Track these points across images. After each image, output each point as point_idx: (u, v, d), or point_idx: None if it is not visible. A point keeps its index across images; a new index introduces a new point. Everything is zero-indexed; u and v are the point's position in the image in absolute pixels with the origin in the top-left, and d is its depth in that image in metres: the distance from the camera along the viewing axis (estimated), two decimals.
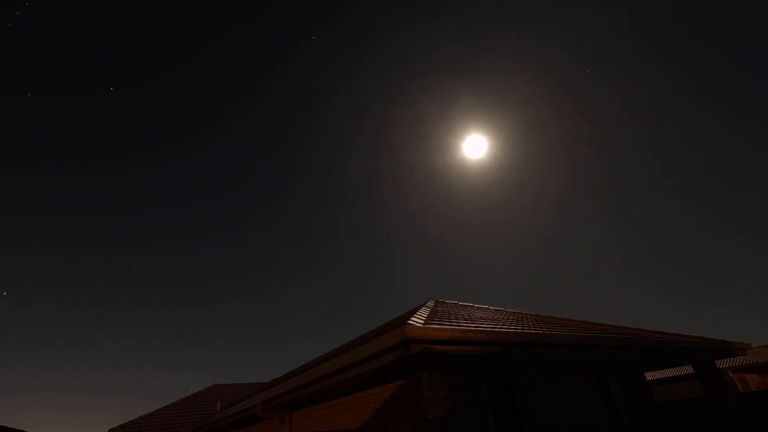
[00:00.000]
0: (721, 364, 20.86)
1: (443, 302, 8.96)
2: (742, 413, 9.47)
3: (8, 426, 12.88)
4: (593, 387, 6.96)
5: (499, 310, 9.55)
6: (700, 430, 11.93)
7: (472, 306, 9.42)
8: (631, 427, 7.27)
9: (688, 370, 20.56)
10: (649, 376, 22.87)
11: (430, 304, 8.13)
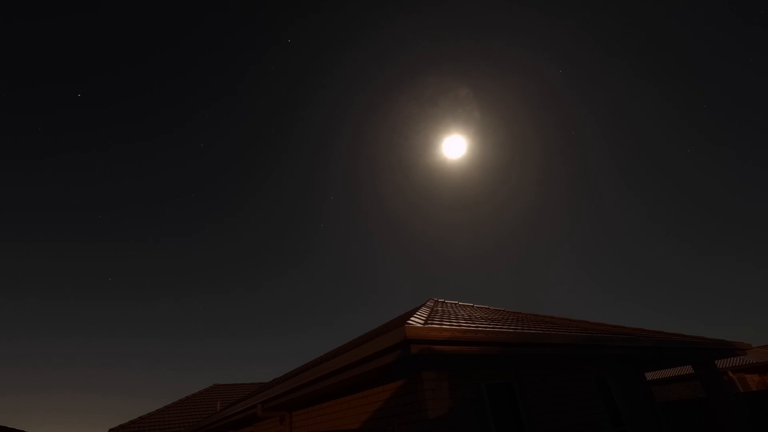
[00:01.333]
0: (721, 364, 20.86)
1: (443, 302, 8.96)
2: (742, 413, 9.47)
3: (8, 426, 12.88)
4: (593, 387, 6.96)
5: (499, 310, 9.55)
6: (700, 430, 11.93)
7: (472, 306, 9.42)
8: (631, 427, 7.27)
9: (688, 370, 20.56)
10: (649, 376, 22.86)
11: (430, 304, 8.13)
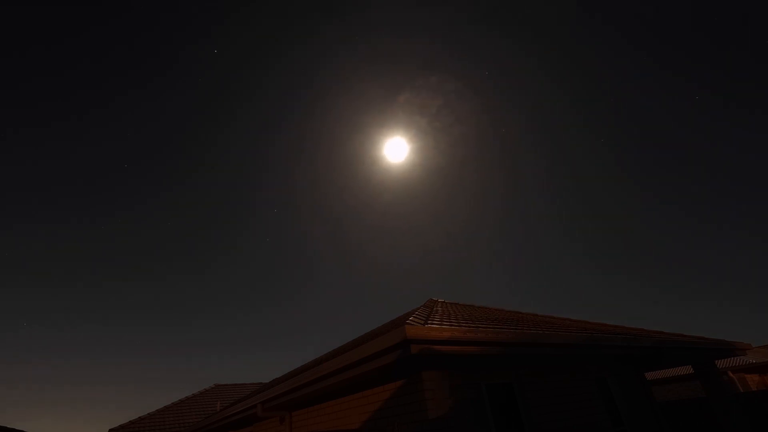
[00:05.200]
0: (721, 364, 20.84)
1: (443, 302, 8.97)
2: (742, 413, 9.48)
3: (7, 426, 12.89)
4: (593, 387, 6.96)
5: (500, 310, 9.55)
6: (700, 430, 11.94)
7: (472, 306, 9.42)
8: (631, 427, 7.27)
9: (688, 370, 20.55)
10: (649, 376, 22.85)
11: (430, 304, 8.14)
